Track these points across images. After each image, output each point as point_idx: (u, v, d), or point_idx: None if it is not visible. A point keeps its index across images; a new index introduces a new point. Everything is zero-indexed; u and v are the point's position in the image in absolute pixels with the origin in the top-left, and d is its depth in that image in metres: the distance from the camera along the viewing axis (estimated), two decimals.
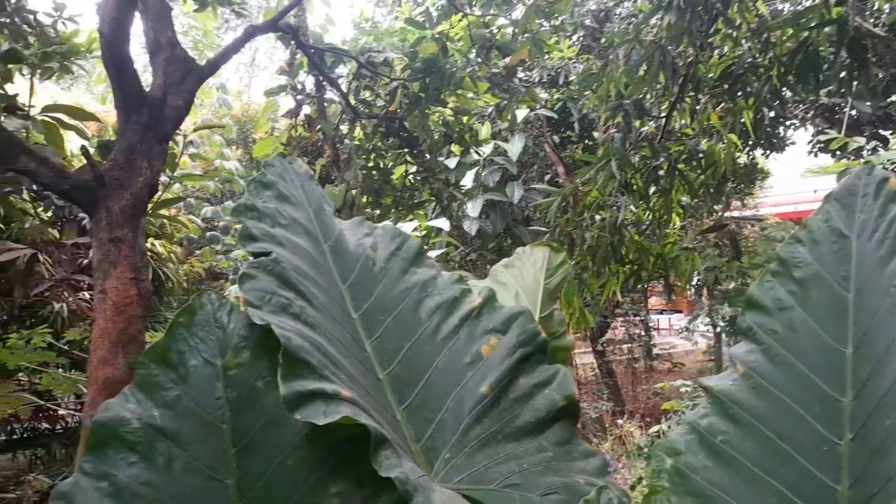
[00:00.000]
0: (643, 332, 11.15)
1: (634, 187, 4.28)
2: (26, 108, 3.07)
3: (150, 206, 2.86)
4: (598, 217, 4.24)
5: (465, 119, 5.53)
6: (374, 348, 1.17)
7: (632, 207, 4.26)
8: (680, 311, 14.80)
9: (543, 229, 4.79)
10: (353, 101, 4.97)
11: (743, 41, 4.01)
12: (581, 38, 8.00)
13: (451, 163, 5.54)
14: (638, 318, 11.01)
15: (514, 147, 5.56)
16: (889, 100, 6.33)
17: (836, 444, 0.96)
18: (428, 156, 5.60)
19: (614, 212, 4.02)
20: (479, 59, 5.15)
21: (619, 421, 6.59)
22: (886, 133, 7.67)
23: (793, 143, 8.87)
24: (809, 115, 7.43)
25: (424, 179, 5.76)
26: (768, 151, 8.56)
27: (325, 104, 5.25)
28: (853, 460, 0.94)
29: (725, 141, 4.17)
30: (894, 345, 0.96)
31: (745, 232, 9.13)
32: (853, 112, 6.46)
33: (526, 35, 4.75)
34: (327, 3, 5.71)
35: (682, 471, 1.04)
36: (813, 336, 1.04)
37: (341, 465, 0.92)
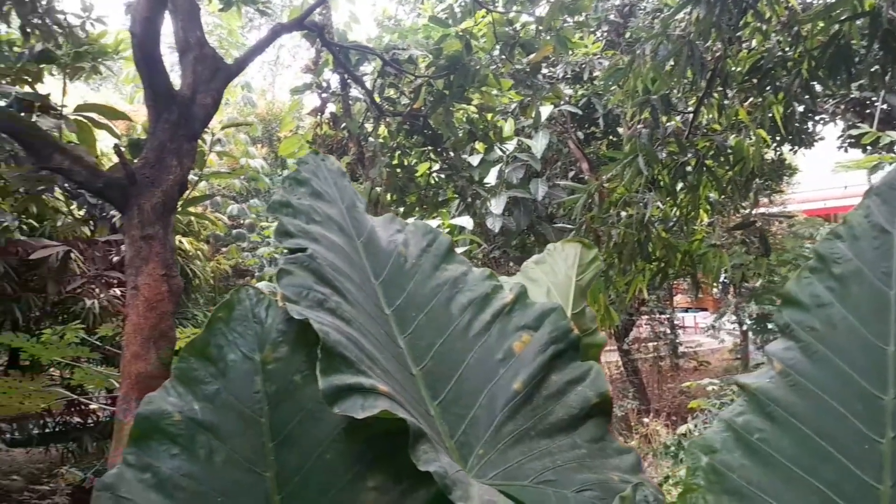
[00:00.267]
0: (669, 330, 11.05)
1: (661, 183, 4.24)
2: (59, 108, 3.13)
3: (179, 203, 2.90)
4: (624, 214, 4.21)
5: (489, 116, 5.52)
6: (408, 344, 1.17)
7: (658, 204, 4.22)
8: (705, 309, 14.65)
9: (568, 226, 4.77)
10: (377, 99, 4.99)
11: (772, 35, 3.95)
12: (605, 34, 7.94)
13: (475, 160, 5.54)
14: (664, 316, 10.92)
15: (538, 143, 5.54)
16: None
17: (877, 442, 0.94)
18: (452, 153, 5.61)
19: (641, 208, 3.98)
20: (503, 56, 5.14)
21: (645, 419, 6.54)
22: None
23: (822, 139, 8.72)
24: (840, 109, 7.30)
25: (448, 177, 5.77)
26: (796, 147, 8.42)
27: (350, 102, 5.28)
28: (895, 459, 0.92)
29: (754, 136, 4.12)
30: None
31: (773, 229, 9.00)
32: (885, 106, 6.33)
33: (550, 32, 4.73)
34: (352, 1, 5.75)
35: (718, 469, 1.03)
36: (853, 333, 1.02)
37: (378, 460, 0.92)
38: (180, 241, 6.48)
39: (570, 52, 6.65)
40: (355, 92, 5.26)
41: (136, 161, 2.75)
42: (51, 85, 4.18)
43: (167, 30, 2.99)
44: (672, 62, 3.77)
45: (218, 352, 0.97)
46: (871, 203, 1.08)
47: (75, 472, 5.25)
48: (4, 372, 5.72)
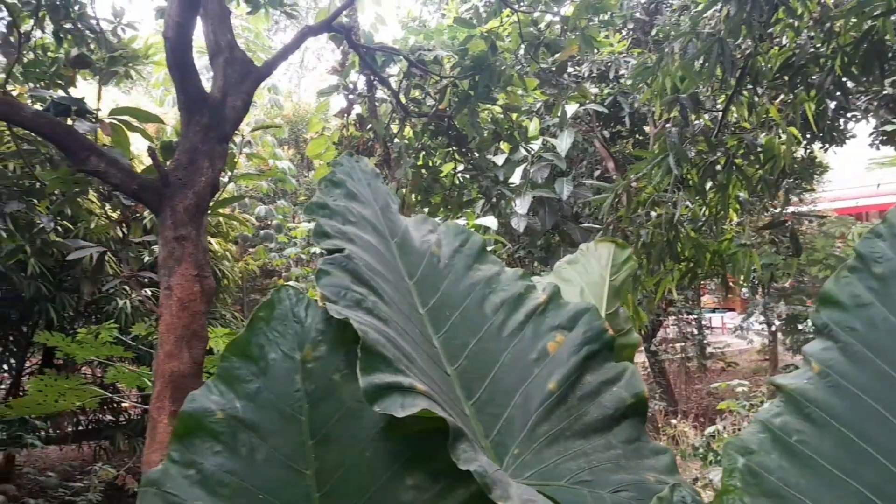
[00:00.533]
0: (696, 331, 10.93)
1: (690, 183, 4.20)
2: (94, 112, 3.20)
3: (211, 204, 2.94)
4: (653, 213, 4.17)
5: (514, 116, 5.51)
6: (442, 343, 1.18)
7: (687, 203, 4.18)
8: (733, 310, 14.47)
9: (595, 226, 4.74)
10: (403, 100, 5.01)
11: (804, 31, 3.89)
12: (631, 32, 7.88)
13: (499, 160, 5.54)
14: (691, 317, 10.80)
15: (563, 143, 5.51)
16: None
17: None
18: (476, 153, 5.61)
19: (670, 208, 3.95)
20: (528, 56, 5.13)
21: (673, 421, 6.48)
22: None
23: (853, 136, 8.55)
24: (872, 106, 7.16)
25: (473, 177, 5.77)
26: (827, 145, 8.27)
27: (376, 103, 5.31)
28: None
29: (784, 134, 4.06)
30: None
31: (803, 228, 8.86)
32: None
33: (575, 31, 4.71)
34: (378, 2, 5.78)
35: (756, 470, 1.02)
36: (895, 333, 1.01)
37: (416, 458, 0.93)
38: (210, 242, 6.58)
39: (596, 51, 6.61)
40: (381, 93, 5.29)
41: (168, 163, 2.80)
42: (83, 89, 4.27)
43: (197, 33, 3.04)
44: (701, 60, 3.73)
45: (259, 351, 0.99)
46: None
47: (108, 469, 5.35)
48: (39, 370, 5.85)
